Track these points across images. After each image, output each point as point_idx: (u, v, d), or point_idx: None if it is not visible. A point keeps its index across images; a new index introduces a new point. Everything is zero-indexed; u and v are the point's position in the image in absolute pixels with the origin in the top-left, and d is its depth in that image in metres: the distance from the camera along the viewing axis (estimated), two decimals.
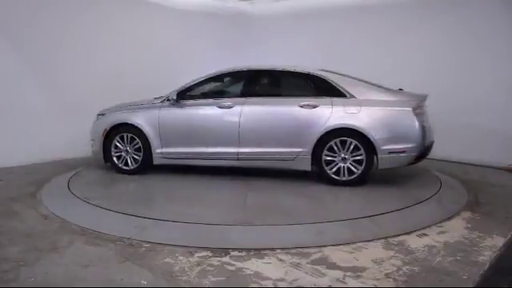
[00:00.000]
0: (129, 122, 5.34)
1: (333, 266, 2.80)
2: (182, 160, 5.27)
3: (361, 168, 4.68)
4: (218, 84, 5.49)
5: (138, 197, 4.75)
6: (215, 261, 2.88)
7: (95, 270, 2.76)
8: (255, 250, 3.05)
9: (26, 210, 4.02)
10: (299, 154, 4.84)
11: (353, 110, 4.71)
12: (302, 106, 4.84)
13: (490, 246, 3.15)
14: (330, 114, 4.74)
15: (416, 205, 4.14)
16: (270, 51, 7.88)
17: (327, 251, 3.04)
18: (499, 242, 3.25)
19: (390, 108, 4.69)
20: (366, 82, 5.07)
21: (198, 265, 2.82)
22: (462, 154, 6.21)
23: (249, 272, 2.72)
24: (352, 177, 4.73)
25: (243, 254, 2.99)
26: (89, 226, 3.49)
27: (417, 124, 4.57)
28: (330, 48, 7.46)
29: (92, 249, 3.09)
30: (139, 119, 5.31)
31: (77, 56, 6.49)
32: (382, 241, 3.23)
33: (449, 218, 3.77)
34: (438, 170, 5.61)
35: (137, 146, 5.32)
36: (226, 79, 5.49)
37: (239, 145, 5.01)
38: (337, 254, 2.99)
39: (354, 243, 3.17)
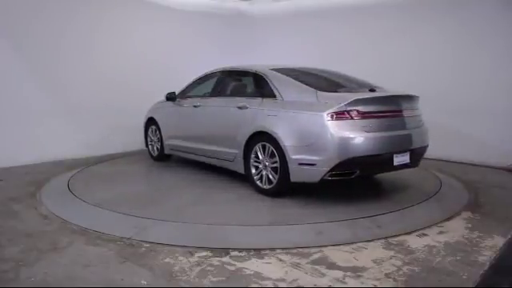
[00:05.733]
0: (152, 117, 6.30)
1: (333, 266, 2.80)
2: (177, 152, 5.88)
3: (277, 177, 4.23)
4: (204, 85, 5.62)
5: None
6: (215, 261, 2.88)
7: (95, 269, 2.76)
8: (255, 250, 3.05)
9: (26, 210, 4.03)
10: (236, 156, 4.72)
11: (274, 112, 4.32)
12: (239, 108, 4.71)
13: (490, 246, 3.15)
14: (255, 116, 4.48)
15: (416, 205, 4.14)
16: (270, 51, 7.91)
17: (327, 251, 3.04)
18: (499, 241, 3.24)
19: (303, 112, 4.05)
20: (329, 79, 4.64)
21: (198, 265, 2.82)
22: (461, 154, 6.21)
23: (249, 272, 2.72)
24: (270, 186, 4.31)
25: (243, 254, 2.99)
26: (89, 226, 3.50)
27: (329, 132, 3.80)
28: (329, 48, 7.48)
29: (92, 249, 3.09)
30: (157, 115, 6.23)
31: (78, 57, 6.50)
32: (382, 241, 3.23)
33: (449, 218, 3.77)
34: (437, 170, 5.62)
35: (158, 137, 6.19)
36: (209, 80, 5.57)
37: (203, 142, 5.26)
38: (337, 254, 2.98)
39: (354, 243, 3.17)
